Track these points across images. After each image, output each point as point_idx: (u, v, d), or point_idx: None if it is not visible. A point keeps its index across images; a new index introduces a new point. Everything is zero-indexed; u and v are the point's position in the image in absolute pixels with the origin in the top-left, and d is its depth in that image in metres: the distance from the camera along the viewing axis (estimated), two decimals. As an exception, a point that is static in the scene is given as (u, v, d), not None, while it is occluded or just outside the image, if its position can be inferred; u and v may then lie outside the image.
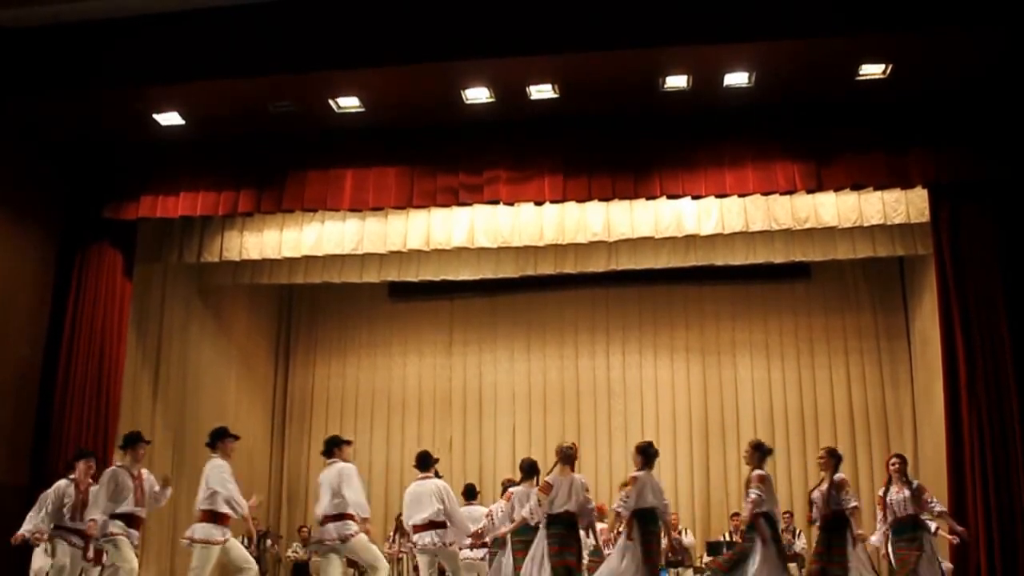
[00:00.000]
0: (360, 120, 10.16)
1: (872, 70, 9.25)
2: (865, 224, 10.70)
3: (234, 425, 13.86)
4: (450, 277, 12.84)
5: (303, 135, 10.51)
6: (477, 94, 9.69)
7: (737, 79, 9.38)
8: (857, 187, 10.08)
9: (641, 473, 7.88)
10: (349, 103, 9.91)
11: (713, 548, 11.84)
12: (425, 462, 9.02)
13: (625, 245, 11.80)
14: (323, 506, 8.14)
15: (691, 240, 11.68)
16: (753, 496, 7.53)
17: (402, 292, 15.22)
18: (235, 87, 9.67)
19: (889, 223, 10.71)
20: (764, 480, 7.64)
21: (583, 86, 9.56)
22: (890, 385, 13.84)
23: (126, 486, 8.06)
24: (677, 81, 9.46)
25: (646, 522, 7.74)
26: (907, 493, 8.09)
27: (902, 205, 10.54)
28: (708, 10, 8.79)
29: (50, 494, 8.30)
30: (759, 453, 7.84)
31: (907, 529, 8.05)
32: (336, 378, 15.63)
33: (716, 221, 10.81)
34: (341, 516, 8.06)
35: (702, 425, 14.34)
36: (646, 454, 8.01)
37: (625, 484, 8.23)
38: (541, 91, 9.62)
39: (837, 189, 10.15)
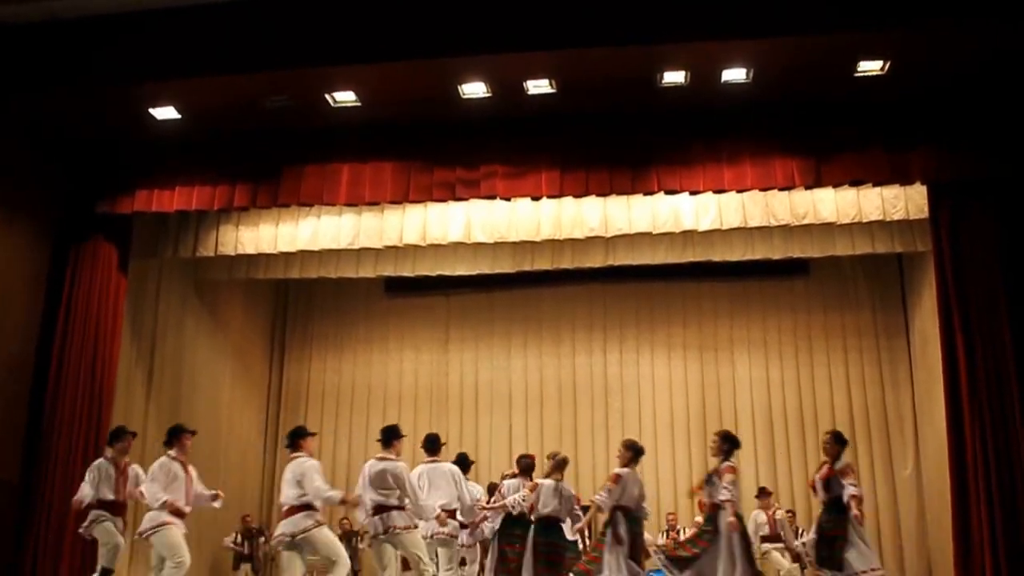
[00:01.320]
0: (357, 115, 10.08)
1: (871, 67, 9.18)
2: (864, 220, 10.67)
3: (229, 421, 14.04)
4: (446, 272, 12.80)
5: (299, 130, 10.43)
6: (474, 89, 9.62)
7: (735, 75, 9.31)
8: (856, 183, 10.04)
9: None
10: (345, 98, 9.83)
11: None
12: (434, 445, 8.94)
13: (622, 241, 11.76)
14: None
15: (689, 236, 11.63)
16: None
17: (398, 287, 15.16)
18: (231, 82, 9.59)
19: (888, 219, 10.68)
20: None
21: (581, 81, 9.49)
22: (890, 383, 13.75)
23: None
24: (675, 77, 9.39)
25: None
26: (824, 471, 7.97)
27: (901, 201, 10.50)
28: (706, 6, 8.73)
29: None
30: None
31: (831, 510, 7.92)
32: (332, 373, 15.57)
33: (714, 217, 10.75)
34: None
35: (700, 423, 14.24)
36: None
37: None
38: (538, 86, 9.55)
39: (836, 185, 10.10)
